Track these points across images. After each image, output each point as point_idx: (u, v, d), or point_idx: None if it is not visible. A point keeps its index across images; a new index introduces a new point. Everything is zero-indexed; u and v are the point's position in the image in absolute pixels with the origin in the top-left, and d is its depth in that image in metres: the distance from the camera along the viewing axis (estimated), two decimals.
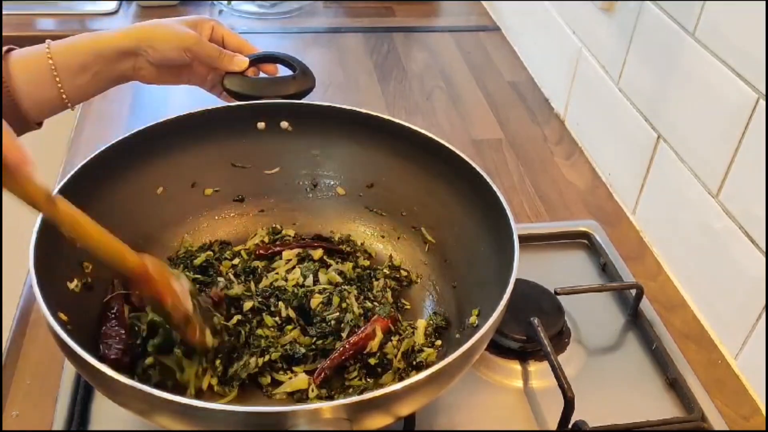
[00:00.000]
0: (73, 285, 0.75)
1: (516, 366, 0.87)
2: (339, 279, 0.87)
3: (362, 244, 0.95)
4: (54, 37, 0.90)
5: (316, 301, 0.83)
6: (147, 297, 0.71)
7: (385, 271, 0.90)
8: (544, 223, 1.11)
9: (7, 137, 0.58)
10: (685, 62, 0.96)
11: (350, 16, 1.71)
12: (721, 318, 0.93)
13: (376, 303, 0.85)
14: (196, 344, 0.73)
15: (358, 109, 0.92)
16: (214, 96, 1.02)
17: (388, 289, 0.88)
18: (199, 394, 0.74)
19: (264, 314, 0.82)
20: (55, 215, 0.63)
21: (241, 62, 0.95)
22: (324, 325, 0.82)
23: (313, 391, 0.76)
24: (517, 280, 0.70)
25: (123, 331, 0.74)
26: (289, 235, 0.95)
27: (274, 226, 0.96)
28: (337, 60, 1.52)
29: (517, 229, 0.75)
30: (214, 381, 0.76)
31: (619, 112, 1.14)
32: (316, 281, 0.87)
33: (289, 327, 0.81)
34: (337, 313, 0.82)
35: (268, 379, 0.78)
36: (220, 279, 0.86)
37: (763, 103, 0.82)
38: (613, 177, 1.19)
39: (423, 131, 0.89)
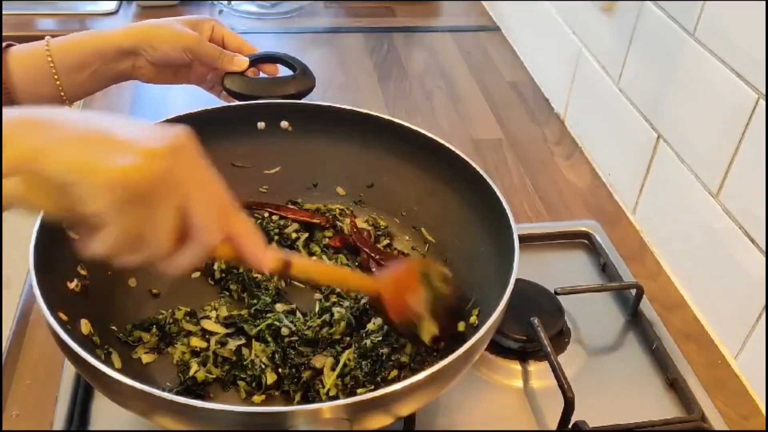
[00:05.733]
0: (73, 285, 0.74)
1: (516, 366, 0.87)
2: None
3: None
4: (54, 37, 0.90)
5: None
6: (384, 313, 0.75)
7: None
8: (544, 223, 1.11)
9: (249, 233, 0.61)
10: (685, 62, 0.96)
11: (350, 16, 1.71)
12: (721, 318, 0.93)
13: None
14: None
15: (358, 109, 0.92)
16: (214, 96, 1.02)
17: None
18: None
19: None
20: (294, 275, 0.68)
21: (242, 62, 0.95)
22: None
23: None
24: (517, 280, 0.70)
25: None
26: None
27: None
28: (337, 60, 1.52)
29: (517, 229, 0.75)
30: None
31: (619, 112, 1.14)
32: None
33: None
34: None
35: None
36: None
37: (763, 103, 0.82)
38: (613, 177, 1.19)
39: (423, 131, 0.89)
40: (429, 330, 0.76)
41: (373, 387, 0.76)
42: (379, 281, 0.76)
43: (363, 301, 0.83)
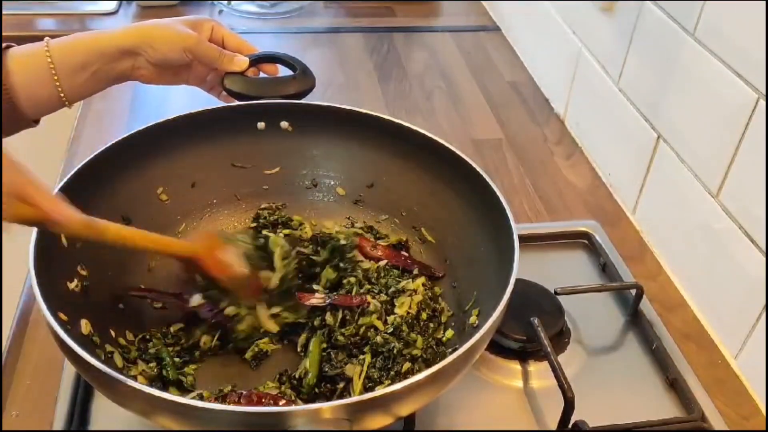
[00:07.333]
0: (73, 285, 0.75)
1: (516, 366, 0.87)
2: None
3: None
4: (54, 37, 0.90)
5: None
6: (204, 276, 0.78)
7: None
8: (544, 223, 1.11)
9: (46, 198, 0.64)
10: (685, 62, 0.96)
11: (350, 16, 1.71)
12: (721, 318, 0.93)
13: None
14: (253, 300, 0.81)
15: (358, 109, 0.92)
16: (213, 96, 1.02)
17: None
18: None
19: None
20: (100, 238, 0.70)
21: (241, 62, 0.95)
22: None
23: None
24: (517, 280, 0.70)
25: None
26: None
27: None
28: (337, 60, 1.52)
29: (517, 229, 0.75)
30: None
31: (619, 112, 1.14)
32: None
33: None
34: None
35: None
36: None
37: (763, 103, 0.82)
38: (613, 177, 1.19)
39: (423, 131, 0.89)
40: (267, 277, 0.81)
41: (389, 382, 0.76)
42: (194, 245, 0.79)
43: (391, 290, 0.84)
